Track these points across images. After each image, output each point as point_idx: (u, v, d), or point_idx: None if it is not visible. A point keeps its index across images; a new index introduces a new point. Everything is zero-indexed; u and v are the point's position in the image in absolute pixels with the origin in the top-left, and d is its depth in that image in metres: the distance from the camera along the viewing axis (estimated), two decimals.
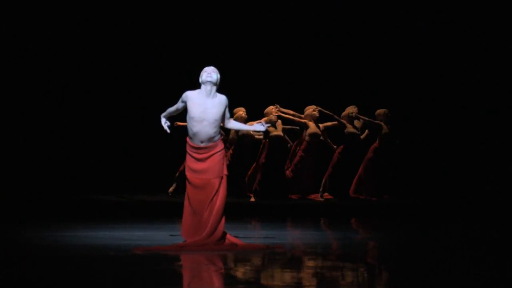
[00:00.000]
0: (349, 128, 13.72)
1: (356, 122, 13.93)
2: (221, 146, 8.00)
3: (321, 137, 13.85)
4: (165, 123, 8.29)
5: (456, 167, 16.24)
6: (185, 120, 8.07)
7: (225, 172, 7.96)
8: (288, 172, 13.94)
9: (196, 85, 8.14)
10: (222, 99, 7.98)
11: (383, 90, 16.69)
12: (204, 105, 7.89)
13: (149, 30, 16.53)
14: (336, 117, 13.81)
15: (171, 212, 12.08)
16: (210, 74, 7.98)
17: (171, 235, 8.78)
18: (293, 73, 16.57)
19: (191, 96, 7.95)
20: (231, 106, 8.49)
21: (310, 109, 13.85)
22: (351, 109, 13.98)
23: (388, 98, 16.56)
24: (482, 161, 16.16)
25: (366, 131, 14.21)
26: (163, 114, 8.29)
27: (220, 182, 7.90)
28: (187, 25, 16.67)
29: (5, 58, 15.87)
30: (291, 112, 13.91)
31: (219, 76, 8.02)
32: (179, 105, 8.09)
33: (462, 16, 16.47)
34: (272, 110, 13.66)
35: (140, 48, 16.56)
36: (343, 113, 13.91)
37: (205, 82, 7.97)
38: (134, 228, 9.95)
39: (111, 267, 6.58)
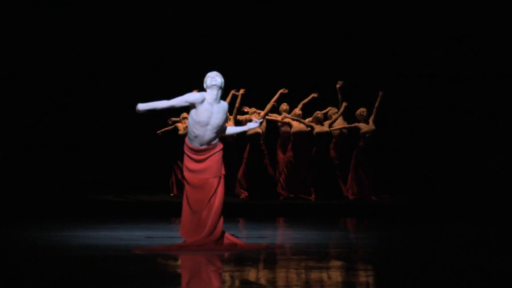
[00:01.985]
0: (317, 128, 13.80)
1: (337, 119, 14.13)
2: (219, 146, 8.00)
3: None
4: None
5: (455, 167, 16.25)
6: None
7: (223, 172, 7.98)
8: (279, 174, 14.02)
9: (194, 85, 8.14)
10: (225, 105, 7.97)
11: (383, 90, 16.71)
12: (211, 110, 7.86)
13: (149, 32, 16.56)
14: (301, 120, 13.89)
15: (171, 212, 12.10)
16: (214, 78, 7.94)
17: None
18: (275, 73, 16.64)
19: (200, 99, 7.84)
20: None
21: (284, 106, 14.05)
22: (334, 109, 14.21)
23: (389, 98, 16.57)
24: (481, 161, 16.16)
25: (344, 103, 14.20)
26: (143, 106, 7.79)
27: (219, 182, 7.91)
28: (183, 27, 16.70)
29: (8, 59, 15.88)
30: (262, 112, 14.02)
31: (223, 79, 7.98)
32: (179, 103, 7.86)
33: (454, 16, 16.51)
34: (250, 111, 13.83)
35: (140, 51, 16.58)
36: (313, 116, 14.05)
37: (211, 87, 7.91)
38: (134, 228, 9.95)
39: (111, 267, 6.59)
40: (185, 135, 14.65)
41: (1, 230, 9.67)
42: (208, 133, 7.86)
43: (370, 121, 14.10)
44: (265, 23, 16.80)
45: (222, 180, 7.93)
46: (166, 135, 15.12)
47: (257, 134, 13.60)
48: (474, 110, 16.42)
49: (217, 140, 7.97)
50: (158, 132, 15.04)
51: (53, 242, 8.25)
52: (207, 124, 7.84)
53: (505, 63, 16.25)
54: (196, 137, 7.87)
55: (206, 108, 7.82)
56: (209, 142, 7.90)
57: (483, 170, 16.01)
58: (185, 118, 14.59)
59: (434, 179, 16.23)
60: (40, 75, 16.15)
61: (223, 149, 8.06)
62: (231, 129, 8.37)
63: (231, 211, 12.03)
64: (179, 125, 14.89)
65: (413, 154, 16.57)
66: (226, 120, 8.09)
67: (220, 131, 8.00)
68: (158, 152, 15.93)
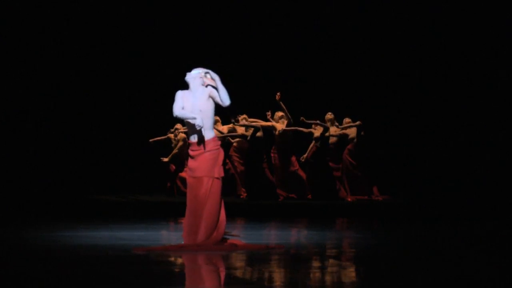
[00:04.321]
0: (316, 133, 14.17)
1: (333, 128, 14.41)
2: (213, 145, 7.90)
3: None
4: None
5: (454, 167, 16.26)
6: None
7: (216, 175, 7.85)
8: (272, 175, 14.20)
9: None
10: (205, 89, 7.97)
11: (382, 91, 16.73)
12: (192, 98, 7.94)
13: (149, 33, 16.59)
14: (299, 129, 14.13)
15: (171, 212, 12.10)
16: (189, 73, 8.05)
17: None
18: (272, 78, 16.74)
19: (182, 94, 7.96)
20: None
21: (279, 114, 14.28)
22: (328, 116, 14.41)
23: (388, 98, 16.60)
24: (480, 162, 16.18)
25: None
26: (189, 116, 7.88)
27: (212, 183, 7.83)
28: (179, 29, 16.76)
29: (9, 59, 15.90)
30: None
31: (199, 71, 7.99)
32: (181, 103, 7.96)
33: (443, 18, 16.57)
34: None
35: (140, 53, 16.61)
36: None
37: (187, 80, 8.04)
38: (134, 228, 9.95)
39: (111, 267, 6.59)
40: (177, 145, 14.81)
41: (1, 230, 9.68)
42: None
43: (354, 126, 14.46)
44: (259, 29, 16.88)
45: (215, 183, 7.85)
46: (161, 145, 15.20)
47: (258, 138, 13.83)
48: (473, 110, 16.43)
49: (208, 134, 7.88)
50: (150, 140, 15.11)
51: (54, 242, 8.25)
52: (192, 112, 7.86)
53: (504, 62, 16.27)
54: (188, 127, 7.91)
55: (186, 97, 7.94)
56: (198, 131, 7.85)
57: (482, 170, 16.02)
58: (177, 129, 14.70)
59: (433, 179, 16.24)
60: (41, 76, 16.16)
61: (219, 149, 7.97)
62: (218, 93, 8.00)
63: (231, 211, 12.04)
64: (172, 136, 14.95)
65: (413, 155, 16.58)
66: (213, 97, 7.94)
67: (207, 118, 7.89)
68: (164, 150, 15.96)
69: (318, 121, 14.08)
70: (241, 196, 14.22)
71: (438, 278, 6.11)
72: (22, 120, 15.98)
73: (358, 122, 14.37)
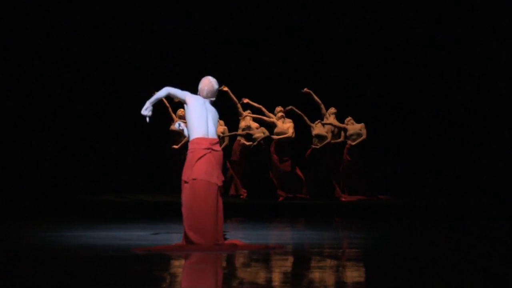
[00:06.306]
0: (316, 130, 14.11)
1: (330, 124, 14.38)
2: (189, 148, 7.93)
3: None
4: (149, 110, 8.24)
5: (454, 167, 16.27)
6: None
7: (185, 178, 7.79)
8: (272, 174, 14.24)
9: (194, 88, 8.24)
10: None
11: (382, 90, 16.74)
12: None
13: (149, 32, 16.59)
14: (305, 120, 14.18)
15: (171, 212, 12.09)
16: None
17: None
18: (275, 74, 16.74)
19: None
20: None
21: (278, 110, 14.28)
22: (332, 110, 14.41)
23: (388, 97, 16.61)
24: (480, 162, 16.19)
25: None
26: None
27: (183, 186, 7.86)
28: (181, 28, 16.76)
29: (8, 59, 15.90)
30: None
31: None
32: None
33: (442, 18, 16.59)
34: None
35: (139, 52, 16.61)
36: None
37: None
38: (134, 228, 9.95)
39: (111, 267, 6.59)
40: (175, 131, 14.77)
41: (1, 230, 9.68)
42: None
43: (355, 124, 14.39)
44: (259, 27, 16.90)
45: (184, 187, 7.79)
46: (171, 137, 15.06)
47: (259, 139, 13.92)
48: (474, 110, 16.44)
49: (191, 136, 7.93)
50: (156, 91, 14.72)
51: (53, 242, 8.25)
52: None
53: (505, 62, 16.28)
54: None
55: None
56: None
57: (483, 170, 16.03)
58: (181, 116, 14.62)
59: (433, 179, 16.25)
60: (40, 75, 16.16)
61: (192, 152, 7.86)
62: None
63: (232, 211, 12.07)
64: (175, 119, 14.72)
65: (413, 155, 16.60)
66: (187, 111, 8.03)
67: (190, 127, 7.94)
68: (164, 149, 15.96)
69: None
70: (241, 196, 14.22)
71: (439, 278, 6.11)
72: (22, 120, 15.98)
73: (361, 126, 14.35)
